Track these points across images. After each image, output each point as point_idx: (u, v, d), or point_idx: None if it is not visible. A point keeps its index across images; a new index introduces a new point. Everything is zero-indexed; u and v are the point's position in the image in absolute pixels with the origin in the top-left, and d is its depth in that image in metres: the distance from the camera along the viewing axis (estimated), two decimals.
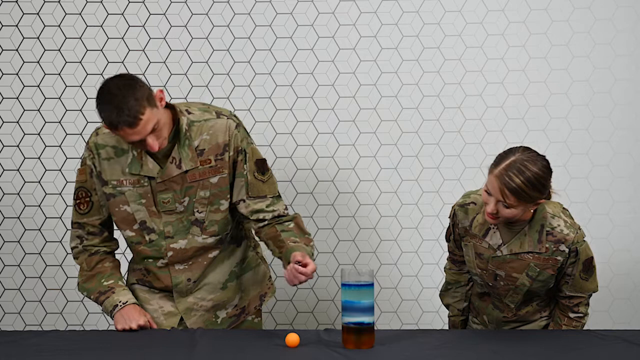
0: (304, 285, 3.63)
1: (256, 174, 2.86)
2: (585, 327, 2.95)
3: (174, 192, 2.80)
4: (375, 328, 2.55)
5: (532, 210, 2.77)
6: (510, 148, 2.75)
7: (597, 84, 3.78)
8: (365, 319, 2.48)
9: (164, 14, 3.79)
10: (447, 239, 3.01)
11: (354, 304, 2.48)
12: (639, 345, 2.54)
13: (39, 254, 3.83)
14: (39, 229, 3.82)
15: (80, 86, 3.80)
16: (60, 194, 3.82)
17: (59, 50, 3.79)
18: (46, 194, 3.82)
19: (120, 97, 2.58)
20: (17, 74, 3.80)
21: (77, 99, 3.80)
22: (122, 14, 3.78)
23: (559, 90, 3.79)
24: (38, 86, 3.80)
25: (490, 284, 2.91)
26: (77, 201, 2.87)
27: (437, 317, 3.81)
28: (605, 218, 3.80)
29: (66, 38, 3.79)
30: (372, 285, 2.49)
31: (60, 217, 3.82)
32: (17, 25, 3.79)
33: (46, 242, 3.83)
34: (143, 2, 3.78)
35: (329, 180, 3.83)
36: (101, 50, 3.79)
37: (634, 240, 3.81)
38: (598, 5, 3.76)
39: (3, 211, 3.83)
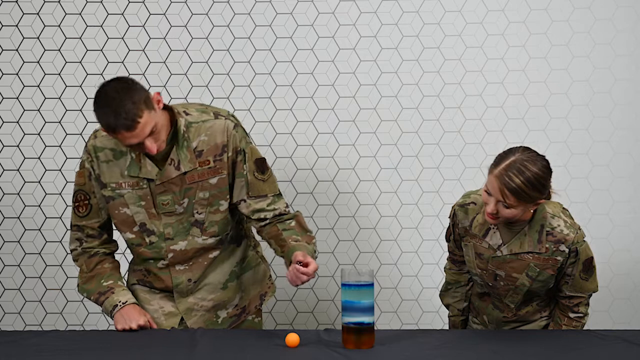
0: (304, 285, 3.60)
1: (256, 174, 2.85)
2: (585, 327, 2.95)
3: (173, 194, 2.80)
4: (375, 328, 2.54)
5: (532, 211, 2.77)
6: (510, 148, 2.75)
7: (597, 84, 3.78)
8: (365, 319, 2.48)
9: (164, 14, 3.78)
10: (447, 239, 3.01)
11: (354, 304, 2.47)
12: (639, 345, 2.54)
13: (39, 254, 3.83)
14: (39, 229, 3.82)
15: (80, 86, 3.80)
16: (60, 194, 3.81)
17: (59, 50, 3.79)
18: (46, 194, 3.82)
19: (118, 101, 2.57)
20: (17, 74, 3.80)
21: (77, 99, 3.80)
22: (122, 14, 3.78)
23: (559, 90, 3.79)
24: (38, 86, 3.80)
25: (490, 284, 2.91)
26: (76, 204, 2.86)
27: (437, 317, 3.81)
28: (605, 218, 3.80)
29: (66, 38, 3.79)
30: (372, 285, 2.49)
31: (60, 217, 3.81)
32: (17, 25, 3.79)
33: (46, 242, 3.83)
34: (143, 2, 3.78)
35: (329, 180, 3.83)
36: (101, 50, 3.79)
37: (634, 240, 3.81)
38: (598, 5, 3.76)
39: (3, 211, 3.83)
